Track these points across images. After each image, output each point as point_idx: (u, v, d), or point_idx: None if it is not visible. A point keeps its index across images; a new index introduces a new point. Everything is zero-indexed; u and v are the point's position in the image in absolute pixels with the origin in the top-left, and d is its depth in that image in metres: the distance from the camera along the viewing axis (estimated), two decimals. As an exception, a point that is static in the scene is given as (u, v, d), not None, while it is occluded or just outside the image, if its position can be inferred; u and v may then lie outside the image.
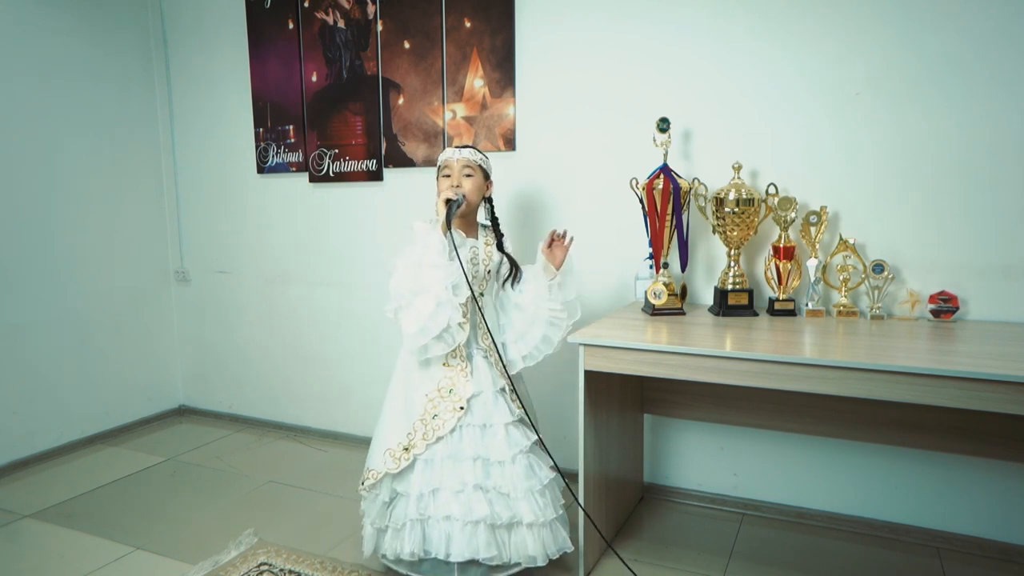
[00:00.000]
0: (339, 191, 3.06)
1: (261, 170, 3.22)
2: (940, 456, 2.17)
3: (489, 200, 2.10)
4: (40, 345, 2.99)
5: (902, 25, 2.08)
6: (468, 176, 1.99)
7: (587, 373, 1.92)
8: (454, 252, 1.85)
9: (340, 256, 3.10)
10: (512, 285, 2.09)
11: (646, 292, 2.21)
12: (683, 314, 2.19)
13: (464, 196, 1.94)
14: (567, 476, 2.67)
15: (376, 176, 2.95)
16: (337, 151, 3.02)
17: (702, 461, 2.51)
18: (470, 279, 1.94)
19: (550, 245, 2.00)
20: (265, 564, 2.11)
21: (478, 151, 2.05)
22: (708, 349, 1.76)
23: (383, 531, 1.96)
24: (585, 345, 1.90)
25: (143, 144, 3.39)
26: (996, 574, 2.05)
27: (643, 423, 2.53)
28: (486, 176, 2.05)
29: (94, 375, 3.21)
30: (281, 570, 2.07)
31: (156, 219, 3.47)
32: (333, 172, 3.04)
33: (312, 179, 3.10)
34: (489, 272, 2.06)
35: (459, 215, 1.97)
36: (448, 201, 1.90)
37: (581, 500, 1.97)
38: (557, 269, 1.99)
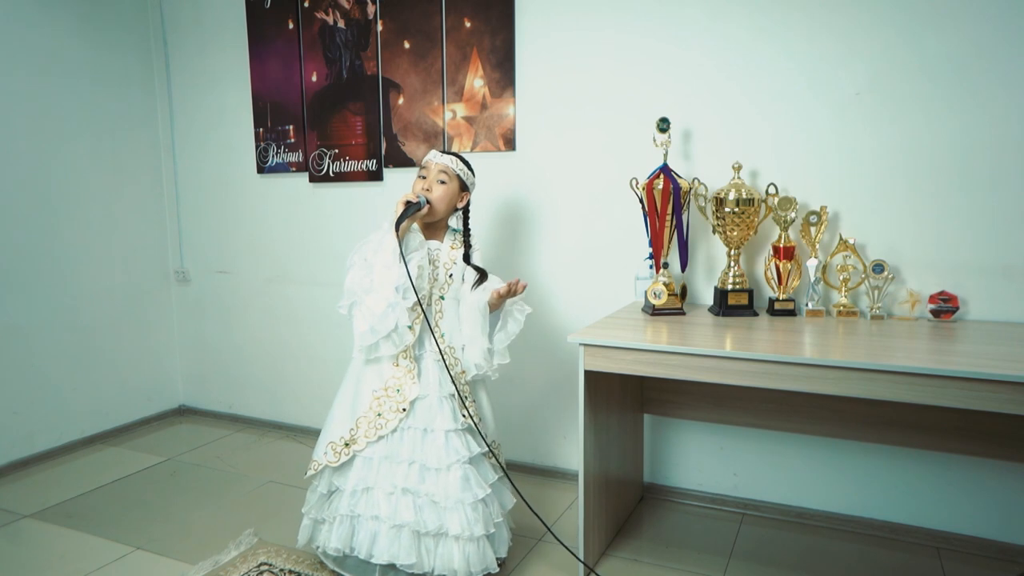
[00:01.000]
0: (339, 191, 3.06)
1: (261, 170, 3.22)
2: (940, 456, 2.17)
3: (465, 211, 2.06)
4: (40, 345, 2.99)
5: (902, 25, 2.08)
6: (441, 183, 1.97)
7: (587, 373, 1.92)
8: (401, 257, 1.83)
9: (340, 256, 3.07)
10: (474, 287, 2.03)
11: (646, 292, 2.21)
12: (683, 314, 2.19)
13: (427, 201, 1.93)
14: (567, 476, 2.68)
15: (376, 176, 2.95)
16: (337, 151, 3.02)
17: (702, 461, 2.51)
18: (427, 281, 1.94)
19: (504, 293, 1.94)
20: (265, 564, 2.11)
21: (462, 161, 2.02)
22: (708, 349, 1.76)
23: (320, 523, 1.97)
24: (585, 345, 1.90)
25: (143, 144, 3.39)
26: (996, 574, 2.05)
27: (643, 423, 2.53)
28: (464, 187, 2.02)
29: (94, 375, 3.21)
30: (281, 570, 2.07)
31: (156, 219, 3.47)
32: (333, 172, 3.04)
33: (312, 179, 3.10)
34: (451, 276, 2.01)
35: (422, 219, 1.95)
36: (408, 203, 1.89)
37: (581, 500, 1.96)
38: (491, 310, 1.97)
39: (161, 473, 2.86)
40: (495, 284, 2.02)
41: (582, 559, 1.99)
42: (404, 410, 1.89)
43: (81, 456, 3.05)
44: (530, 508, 2.00)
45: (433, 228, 2.04)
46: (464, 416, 1.94)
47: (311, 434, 3.26)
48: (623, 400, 2.28)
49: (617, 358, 1.86)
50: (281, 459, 2.99)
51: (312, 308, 3.20)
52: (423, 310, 1.95)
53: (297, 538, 2.04)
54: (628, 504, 2.42)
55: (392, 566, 1.86)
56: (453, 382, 1.94)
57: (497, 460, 2.02)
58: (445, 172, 1.98)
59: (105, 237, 3.23)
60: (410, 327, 1.90)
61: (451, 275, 2.02)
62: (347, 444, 1.91)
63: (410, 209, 1.88)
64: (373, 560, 1.85)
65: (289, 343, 3.29)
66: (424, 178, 1.99)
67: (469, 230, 2.09)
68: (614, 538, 2.25)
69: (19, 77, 2.87)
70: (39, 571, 2.11)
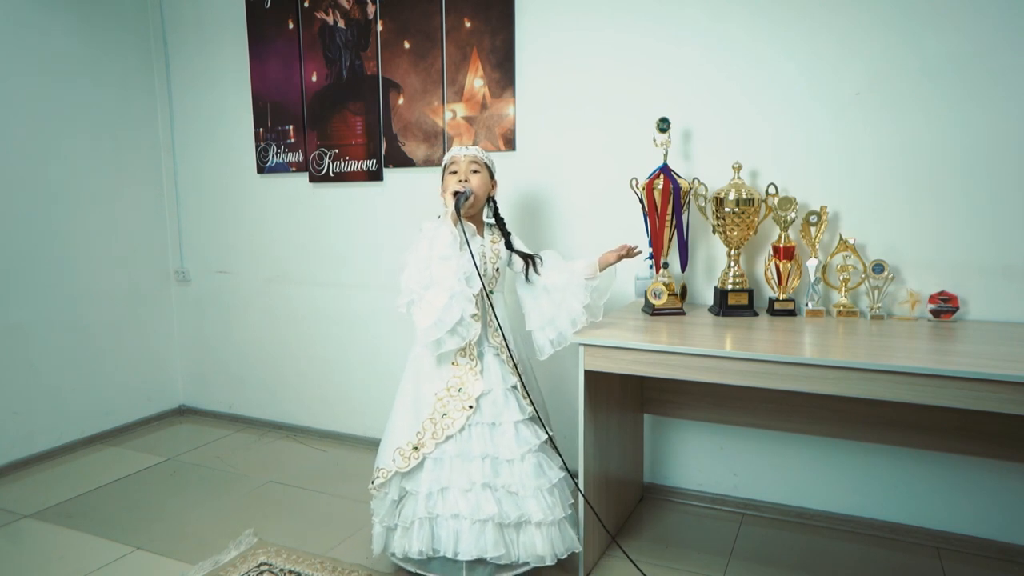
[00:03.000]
0: (339, 191, 3.06)
1: (261, 170, 3.22)
2: (940, 456, 2.17)
3: (493, 200, 2.13)
4: (40, 345, 2.99)
5: (902, 25, 2.07)
6: (475, 172, 2.02)
7: (587, 373, 1.92)
8: (465, 243, 1.86)
9: (340, 256, 3.10)
10: (531, 274, 2.09)
11: (646, 292, 2.21)
12: (683, 314, 2.19)
13: (471, 190, 1.96)
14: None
15: (376, 176, 2.95)
16: (337, 151, 3.02)
17: (702, 461, 2.51)
18: (481, 273, 1.95)
19: (617, 254, 2.06)
20: (265, 564, 2.11)
21: (483, 151, 2.08)
22: (708, 349, 1.76)
23: (392, 530, 1.96)
24: (585, 345, 1.90)
25: (143, 144, 3.39)
26: (996, 574, 2.05)
27: (643, 423, 2.53)
28: (491, 175, 2.08)
29: (94, 375, 3.21)
30: (281, 570, 2.07)
31: (156, 219, 3.47)
32: (333, 172, 3.04)
33: (312, 179, 3.10)
34: (498, 270, 2.08)
35: (466, 210, 1.97)
36: (456, 194, 1.92)
37: (581, 500, 1.96)
38: (601, 270, 2.04)
39: (161, 473, 2.86)
40: (554, 259, 2.09)
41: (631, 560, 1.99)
42: (471, 407, 1.91)
43: (81, 456, 3.05)
44: (592, 510, 1.99)
45: (475, 223, 2.07)
46: (528, 406, 1.97)
47: (311, 434, 3.27)
48: (623, 400, 2.28)
49: (617, 358, 1.86)
50: (281, 459, 2.99)
51: (312, 308, 3.20)
52: (488, 298, 1.98)
53: (372, 547, 2.02)
54: (628, 504, 2.42)
55: (480, 560, 1.86)
56: (513, 373, 1.98)
57: (554, 445, 2.03)
58: (476, 162, 2.03)
59: (105, 237, 3.23)
60: (474, 316, 1.89)
61: (498, 268, 2.07)
62: (415, 448, 1.91)
63: (461, 198, 1.91)
64: (460, 557, 1.85)
65: (289, 343, 3.29)
66: (455, 173, 2.01)
67: (502, 217, 2.14)
68: (616, 535, 2.25)
69: (19, 77, 2.87)
70: (39, 571, 2.11)
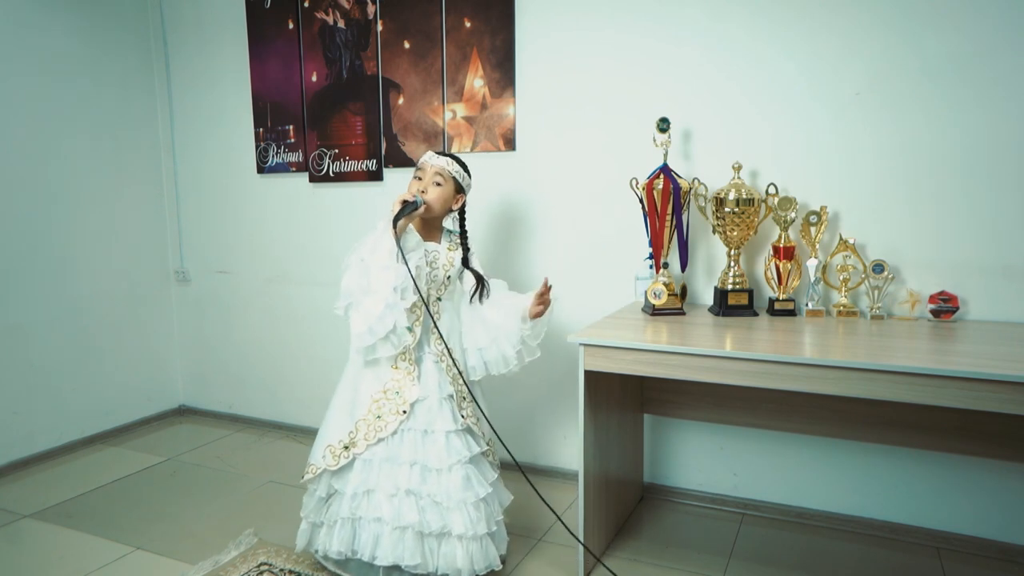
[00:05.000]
0: (339, 191, 3.06)
1: (261, 170, 3.22)
2: (940, 456, 2.17)
3: (461, 212, 2.07)
4: (40, 345, 2.99)
5: (902, 25, 2.08)
6: (437, 185, 1.97)
7: (587, 373, 1.92)
8: (401, 255, 1.82)
9: (340, 256, 3.05)
10: (479, 300, 2.08)
11: (646, 292, 2.21)
12: (683, 314, 2.19)
13: (424, 201, 1.92)
14: (567, 476, 2.68)
15: (376, 176, 2.95)
16: (337, 151, 3.02)
17: (702, 461, 2.51)
18: (425, 283, 1.95)
19: (541, 296, 1.99)
20: (265, 564, 2.11)
21: (458, 163, 2.01)
22: (708, 349, 1.76)
23: (318, 526, 1.96)
24: (585, 345, 1.90)
25: (143, 144, 3.39)
26: (996, 574, 2.05)
27: (643, 423, 2.53)
28: (459, 189, 2.02)
29: (94, 375, 3.21)
30: (281, 570, 2.07)
31: (156, 219, 3.47)
32: (333, 172, 3.04)
33: (312, 179, 3.10)
34: (449, 277, 2.03)
35: (417, 218, 1.94)
36: (404, 202, 1.87)
37: (581, 500, 1.96)
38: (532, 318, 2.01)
39: (161, 473, 2.86)
40: (500, 290, 2.10)
41: (591, 552, 1.99)
42: (404, 412, 1.89)
43: (81, 456, 3.05)
44: (540, 496, 2.00)
45: (429, 229, 2.04)
46: (463, 416, 1.94)
47: (311, 434, 3.24)
48: (623, 400, 2.28)
49: (617, 358, 1.86)
50: (281, 459, 2.99)
51: (312, 308, 3.20)
52: (428, 309, 1.95)
53: (296, 542, 2.03)
54: (628, 504, 2.42)
55: (396, 567, 1.86)
56: (453, 383, 1.95)
57: (493, 458, 2.03)
58: (440, 175, 1.97)
59: (105, 237, 3.23)
60: (410, 328, 1.89)
61: (449, 276, 2.02)
62: (346, 447, 1.90)
63: (407, 208, 1.87)
64: (377, 562, 1.84)
65: (289, 343, 3.29)
66: (420, 179, 1.98)
67: (466, 232, 2.10)
68: (614, 538, 2.25)
69: (19, 77, 2.87)
70: (39, 571, 2.11)
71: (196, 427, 3.43)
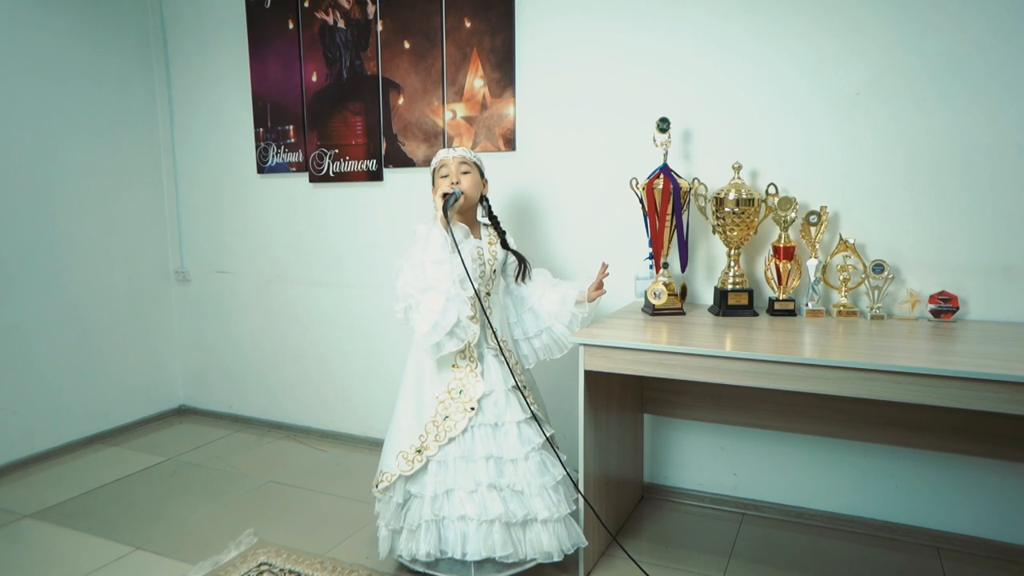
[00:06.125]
0: (339, 191, 3.06)
1: (261, 170, 3.22)
2: (940, 456, 2.17)
3: (485, 199, 2.13)
4: (40, 345, 2.99)
5: (902, 25, 2.08)
6: (465, 173, 2.02)
7: (587, 373, 1.92)
8: (455, 246, 1.86)
9: (340, 256, 3.10)
10: (521, 279, 2.14)
11: (646, 292, 2.21)
12: (683, 314, 2.19)
13: (461, 191, 1.96)
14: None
15: (376, 176, 2.95)
16: (337, 151, 3.02)
17: (702, 461, 2.51)
18: (475, 276, 1.96)
19: (599, 286, 2.09)
20: (265, 564, 2.11)
21: (471, 151, 2.08)
22: (708, 349, 1.76)
23: (398, 532, 1.97)
24: (585, 345, 1.90)
25: (143, 144, 3.39)
26: (996, 574, 2.05)
27: (643, 423, 2.53)
28: (481, 174, 2.09)
29: (94, 375, 3.21)
30: (281, 570, 2.07)
31: (156, 219, 3.47)
32: (333, 172, 3.04)
33: (312, 179, 3.10)
34: (495, 271, 2.08)
35: (458, 212, 1.98)
36: (444, 195, 1.92)
37: (581, 500, 1.96)
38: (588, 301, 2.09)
39: (161, 473, 2.86)
40: (543, 277, 2.17)
41: (614, 538, 1.99)
42: (473, 409, 1.92)
43: (81, 456, 3.05)
44: (592, 509, 1.99)
45: (468, 224, 2.06)
46: (529, 405, 1.97)
47: (311, 434, 3.27)
48: (623, 400, 2.28)
49: (617, 358, 1.86)
50: (281, 459, 2.99)
51: (312, 308, 3.20)
52: (481, 303, 1.98)
53: (378, 550, 2.02)
54: (628, 504, 2.42)
55: (489, 560, 1.88)
56: (513, 374, 1.99)
57: (554, 444, 2.04)
58: (465, 163, 2.03)
59: (105, 237, 3.23)
60: (472, 318, 1.91)
61: (495, 270, 2.07)
62: (419, 451, 1.92)
63: (450, 199, 1.91)
64: (468, 558, 1.86)
65: (289, 343, 3.29)
66: (446, 176, 2.01)
67: (496, 217, 2.15)
68: (616, 535, 2.25)
69: (19, 77, 2.87)
70: (39, 571, 2.11)
71: (196, 427, 3.43)
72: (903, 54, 2.08)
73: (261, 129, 3.19)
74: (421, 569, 1.97)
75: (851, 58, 2.14)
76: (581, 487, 1.96)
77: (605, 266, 2.11)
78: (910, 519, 2.24)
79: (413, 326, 1.87)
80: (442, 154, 2.06)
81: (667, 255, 2.25)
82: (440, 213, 1.89)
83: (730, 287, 2.19)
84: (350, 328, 3.12)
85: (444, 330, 1.82)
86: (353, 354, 3.13)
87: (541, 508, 1.87)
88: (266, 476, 2.80)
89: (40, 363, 2.99)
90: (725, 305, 2.17)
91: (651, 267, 2.30)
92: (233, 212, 3.35)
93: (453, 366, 1.97)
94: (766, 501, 2.42)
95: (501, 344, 2.03)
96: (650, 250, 2.28)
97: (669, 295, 2.18)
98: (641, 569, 2.02)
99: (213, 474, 2.84)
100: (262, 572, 2.06)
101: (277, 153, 3.16)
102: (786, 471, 2.39)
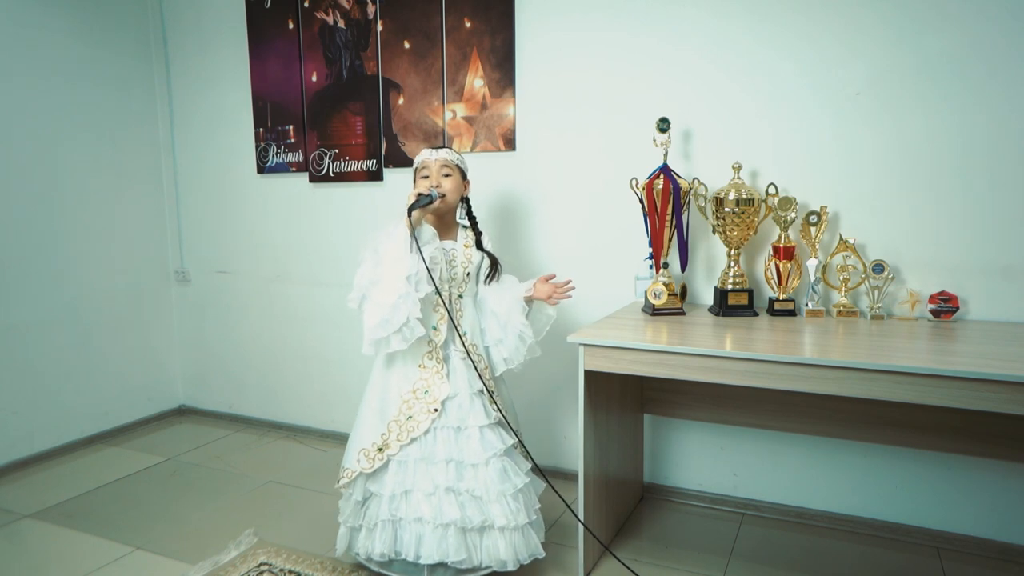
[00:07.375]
0: (339, 191, 3.06)
1: (261, 170, 3.22)
2: (940, 456, 2.17)
3: (466, 200, 2.11)
4: (40, 345, 2.99)
5: (902, 25, 2.08)
6: (447, 176, 1.99)
7: (587, 373, 1.92)
8: (415, 245, 1.82)
9: (340, 256, 3.10)
10: (488, 281, 2.09)
11: (646, 292, 2.21)
12: (683, 314, 2.19)
13: (440, 194, 1.93)
14: (567, 476, 2.68)
15: (376, 176, 2.95)
16: (337, 151, 3.02)
17: (702, 461, 2.51)
18: (447, 282, 1.96)
19: (547, 280, 2.05)
20: (265, 564, 2.11)
21: (454, 151, 2.05)
22: (708, 349, 1.76)
23: (356, 530, 1.96)
24: (585, 345, 1.90)
25: (143, 144, 3.39)
26: (996, 574, 2.05)
27: (643, 423, 2.53)
28: (463, 176, 2.05)
29: (94, 375, 3.21)
30: (281, 570, 2.07)
31: (156, 219, 3.47)
32: (333, 172, 3.04)
33: (312, 179, 3.10)
34: (468, 274, 2.04)
35: (435, 214, 1.96)
36: (419, 194, 1.89)
37: (581, 500, 1.96)
38: (542, 300, 2.06)
39: (161, 473, 2.86)
40: (510, 279, 2.12)
41: (605, 543, 1.98)
42: (436, 410, 1.90)
43: (81, 456, 3.05)
44: (557, 494, 1.99)
45: (446, 226, 2.05)
46: (495, 410, 1.95)
47: (311, 434, 3.27)
48: (623, 400, 2.28)
49: (617, 358, 1.86)
50: (281, 459, 2.99)
51: (312, 308, 3.20)
52: (446, 307, 1.96)
53: (336, 546, 2.02)
54: (628, 504, 2.42)
55: (442, 564, 1.86)
56: (480, 378, 1.96)
57: (525, 450, 2.03)
58: (447, 165, 2.00)
59: (105, 237, 3.23)
60: (435, 327, 1.90)
61: (468, 273, 2.04)
62: (380, 449, 1.90)
63: (422, 200, 1.88)
64: (421, 561, 1.85)
65: (289, 343, 3.29)
66: (427, 177, 2.00)
67: (475, 218, 2.13)
68: (614, 538, 2.25)
69: (19, 78, 2.87)
70: (39, 571, 2.11)
71: (196, 427, 3.43)
72: (903, 54, 2.08)
73: (261, 129, 3.19)
74: (376, 568, 1.96)
75: (851, 58, 2.14)
76: (581, 487, 1.96)
77: (568, 281, 2.06)
78: (910, 519, 2.24)
79: (363, 319, 1.85)
80: (424, 154, 2.03)
81: (667, 255, 2.25)
82: (406, 210, 1.86)
83: (730, 287, 2.19)
84: (350, 328, 3.12)
85: (392, 328, 1.79)
86: (353, 354, 3.12)
87: (499, 515, 1.84)
88: (266, 476, 2.80)
89: (40, 363, 2.99)
90: (725, 305, 2.17)
91: (651, 267, 2.30)
92: (233, 212, 3.35)
93: (420, 366, 1.94)
94: (766, 501, 2.42)
95: (469, 348, 1.98)
96: (650, 250, 2.28)
97: (669, 295, 2.18)
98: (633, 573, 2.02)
99: (213, 474, 2.84)
100: (262, 572, 2.06)
101: (277, 153, 3.17)
102: (786, 471, 2.39)
